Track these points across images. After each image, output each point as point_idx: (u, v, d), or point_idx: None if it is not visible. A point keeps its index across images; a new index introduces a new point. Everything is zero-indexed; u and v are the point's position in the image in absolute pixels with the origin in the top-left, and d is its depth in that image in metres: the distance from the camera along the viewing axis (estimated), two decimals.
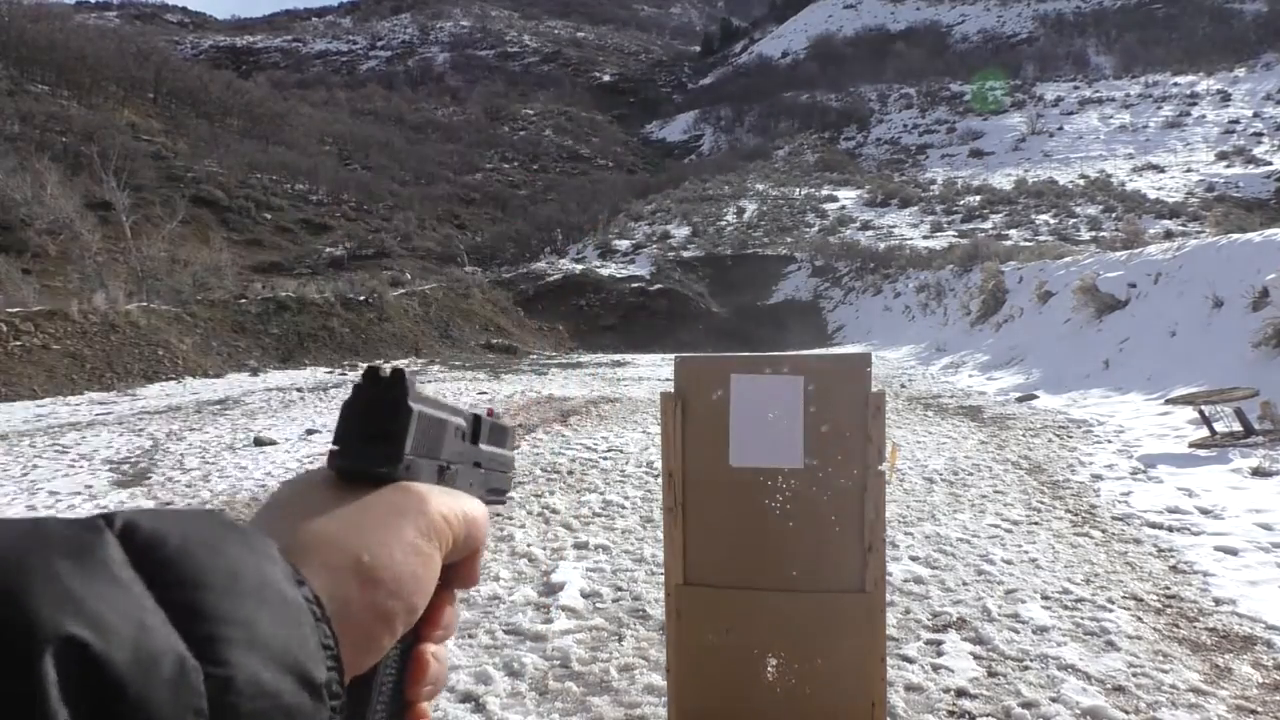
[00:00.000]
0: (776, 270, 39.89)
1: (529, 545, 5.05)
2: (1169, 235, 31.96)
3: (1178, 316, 12.09)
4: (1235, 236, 13.20)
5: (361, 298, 27.12)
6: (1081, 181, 52.74)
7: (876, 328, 29.87)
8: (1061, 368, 13.40)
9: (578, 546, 5.04)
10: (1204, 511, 5.53)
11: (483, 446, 0.49)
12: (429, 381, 17.20)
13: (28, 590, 0.24)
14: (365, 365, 0.43)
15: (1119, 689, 3.11)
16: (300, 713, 0.29)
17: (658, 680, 3.17)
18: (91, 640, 0.24)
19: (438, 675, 0.41)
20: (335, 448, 0.39)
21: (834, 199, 53.27)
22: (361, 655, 0.35)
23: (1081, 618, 3.78)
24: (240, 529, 0.31)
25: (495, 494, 0.50)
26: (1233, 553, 4.66)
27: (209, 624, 0.27)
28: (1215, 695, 3.04)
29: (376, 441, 0.39)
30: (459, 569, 0.42)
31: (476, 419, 0.48)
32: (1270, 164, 52.62)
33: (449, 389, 15.36)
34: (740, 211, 50.95)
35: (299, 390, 15.52)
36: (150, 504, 6.50)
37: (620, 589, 4.29)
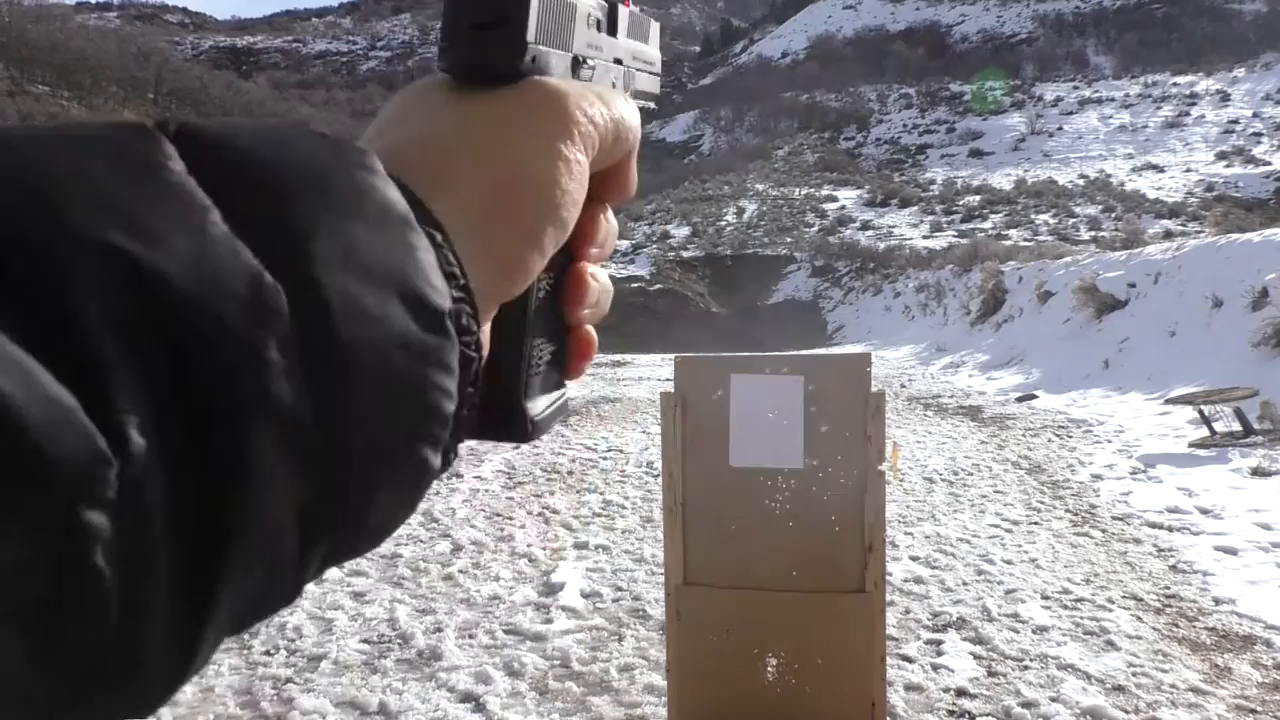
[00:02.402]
0: (776, 270, 39.92)
1: (529, 545, 5.05)
2: (1168, 235, 32.00)
3: (1177, 316, 12.09)
4: (1235, 236, 13.21)
5: None
6: (1081, 181, 52.82)
7: (876, 328, 29.88)
8: (1061, 368, 13.40)
9: (578, 546, 5.05)
10: (1203, 511, 5.53)
11: (623, 39, 0.41)
12: None
13: (59, 196, 0.19)
14: None
15: (1119, 688, 3.11)
16: (419, 344, 0.24)
17: (658, 680, 3.17)
18: (140, 252, 0.19)
19: (600, 294, 0.37)
20: (443, 44, 0.33)
21: (834, 199, 53.34)
22: (510, 281, 0.31)
23: (1081, 617, 3.79)
24: (330, 136, 0.26)
25: (643, 96, 0.43)
26: (1232, 552, 4.66)
27: (290, 237, 0.22)
28: (1215, 695, 3.05)
29: (491, 29, 0.32)
30: (610, 176, 0.36)
31: (613, 5, 0.40)
32: (1269, 164, 52.68)
33: None
34: (740, 211, 50.99)
35: None
36: None
37: (620, 589, 4.29)
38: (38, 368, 0.18)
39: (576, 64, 0.36)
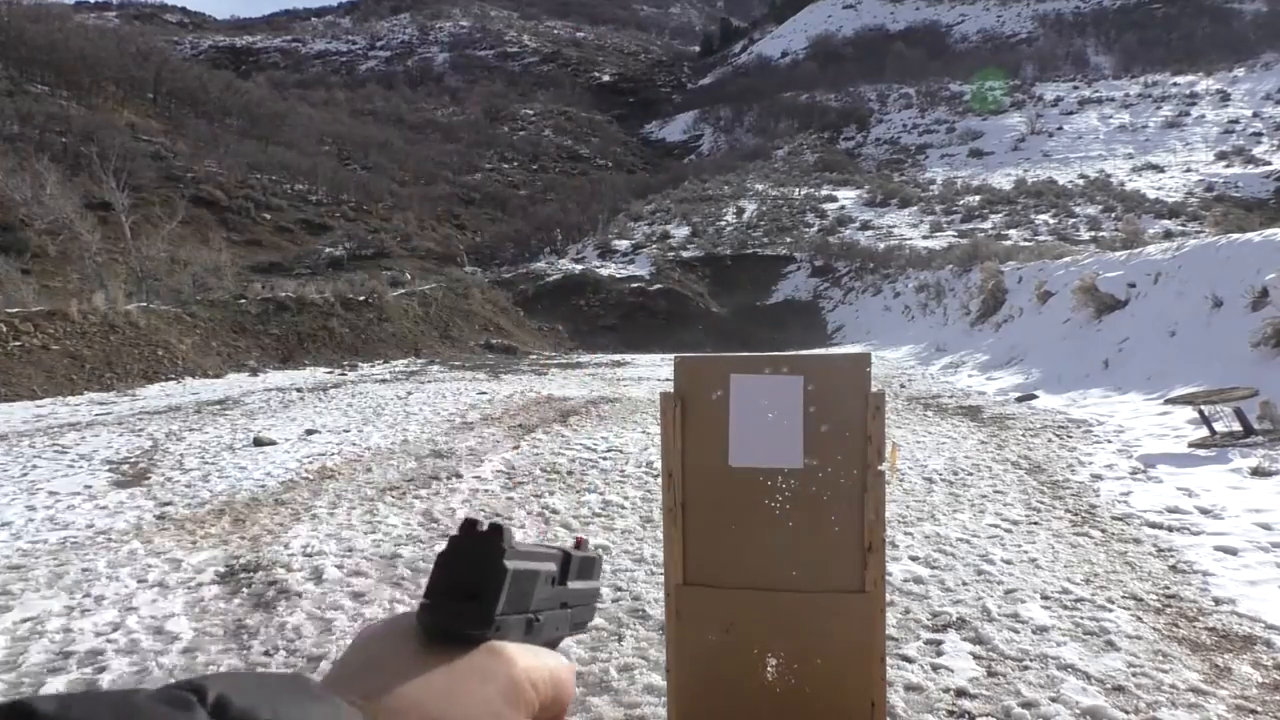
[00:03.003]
0: (776, 270, 39.90)
1: None
2: (1168, 235, 31.98)
3: (1177, 316, 12.09)
4: (1235, 236, 13.20)
5: (361, 298, 27.12)
6: (1081, 181, 52.76)
7: (876, 328, 29.87)
8: (1061, 368, 13.40)
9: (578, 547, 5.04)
10: (1203, 511, 5.53)
11: (570, 585, 0.48)
12: (429, 382, 17.20)
13: None
14: (464, 518, 0.43)
15: (1119, 689, 3.11)
16: None
17: (658, 680, 3.17)
18: None
19: None
20: (425, 601, 0.39)
21: (833, 199, 53.26)
22: None
23: (1081, 617, 3.78)
24: (329, 701, 0.31)
25: (579, 628, 0.50)
26: (1232, 552, 4.66)
27: None
28: (1215, 695, 3.04)
29: (468, 601, 0.39)
30: None
31: (566, 558, 0.48)
32: (1269, 164, 52.64)
33: (449, 389, 15.36)
34: (740, 211, 50.93)
35: (299, 390, 15.51)
36: (149, 504, 6.50)
37: (620, 589, 4.29)
38: None
39: (530, 624, 0.42)
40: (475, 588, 0.39)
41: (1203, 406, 7.85)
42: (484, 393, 14.61)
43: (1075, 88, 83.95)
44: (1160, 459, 7.21)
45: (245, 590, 4.45)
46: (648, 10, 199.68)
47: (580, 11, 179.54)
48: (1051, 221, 42.72)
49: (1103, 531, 5.18)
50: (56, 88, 60.54)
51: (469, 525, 0.41)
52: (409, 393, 14.69)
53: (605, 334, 33.76)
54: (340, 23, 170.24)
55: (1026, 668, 3.30)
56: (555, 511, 5.88)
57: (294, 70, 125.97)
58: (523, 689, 0.38)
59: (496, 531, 0.40)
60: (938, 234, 42.27)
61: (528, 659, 0.40)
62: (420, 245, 50.89)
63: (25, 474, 7.76)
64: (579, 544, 0.50)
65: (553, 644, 0.45)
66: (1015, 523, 5.39)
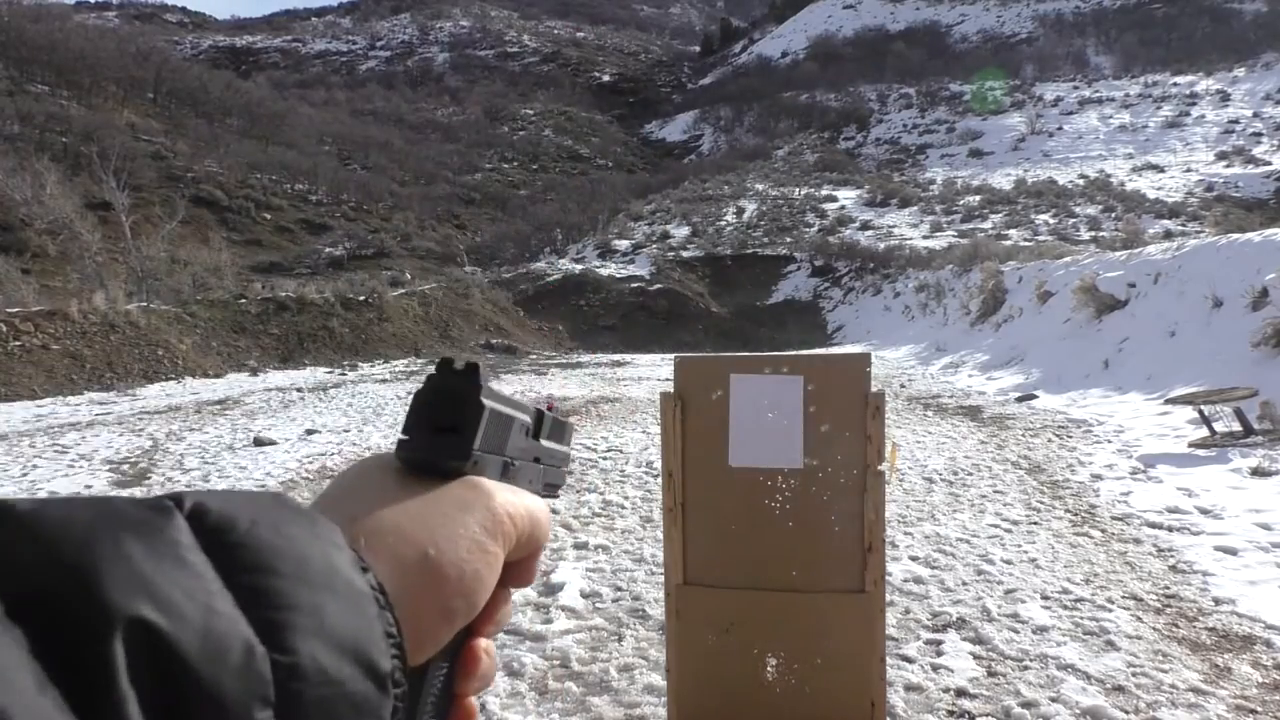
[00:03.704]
0: (776, 270, 39.90)
1: None
2: (1169, 235, 31.99)
3: (1177, 316, 12.09)
4: (1235, 236, 13.20)
5: (361, 298, 27.12)
6: (1081, 181, 52.76)
7: (876, 328, 29.87)
8: (1061, 367, 13.40)
9: (577, 547, 5.05)
10: (1203, 511, 5.53)
11: (543, 442, 0.49)
12: None
13: (98, 570, 0.24)
14: (440, 357, 0.42)
15: (1119, 689, 3.11)
16: (365, 702, 0.29)
17: (658, 680, 3.17)
18: (161, 623, 0.24)
19: (488, 670, 0.41)
20: (404, 437, 0.39)
21: (834, 199, 53.27)
22: (418, 649, 0.35)
23: (1081, 617, 3.78)
24: (308, 514, 0.31)
25: (551, 489, 0.51)
26: (1232, 552, 4.66)
27: (276, 610, 0.27)
28: (1215, 695, 3.04)
29: (446, 434, 0.39)
30: (518, 567, 0.42)
31: (540, 414, 0.49)
32: (1269, 164, 52.65)
33: None
34: (740, 211, 50.93)
35: (299, 390, 15.51)
36: None
37: (620, 589, 4.29)
38: None
39: (507, 467, 0.43)
40: (453, 422, 0.39)
41: (1203, 406, 7.85)
42: None
43: (1075, 88, 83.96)
44: (1160, 459, 7.21)
45: None
46: (648, 10, 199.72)
47: (580, 11, 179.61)
48: (1051, 221, 42.72)
49: (1103, 531, 5.18)
50: (56, 88, 60.58)
51: (446, 364, 0.40)
52: (409, 393, 14.69)
53: (605, 334, 33.75)
54: (340, 23, 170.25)
55: (1026, 668, 3.30)
56: (555, 511, 5.88)
57: (294, 70, 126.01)
58: (500, 520, 0.39)
59: (473, 369, 0.40)
60: (938, 234, 42.27)
61: (506, 494, 0.40)
62: (420, 245, 50.91)
63: (25, 474, 7.76)
64: (550, 408, 0.51)
65: None
66: (1015, 523, 5.40)
